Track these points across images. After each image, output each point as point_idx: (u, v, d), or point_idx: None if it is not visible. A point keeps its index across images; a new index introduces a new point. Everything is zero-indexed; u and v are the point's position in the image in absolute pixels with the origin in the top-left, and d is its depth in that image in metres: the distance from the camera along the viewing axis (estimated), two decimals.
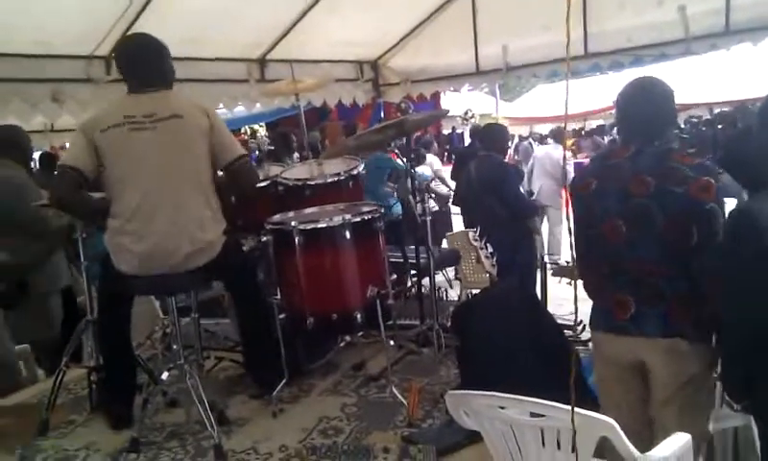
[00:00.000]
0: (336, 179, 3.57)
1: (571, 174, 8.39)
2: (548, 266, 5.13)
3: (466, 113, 14.70)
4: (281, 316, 3.27)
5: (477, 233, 3.74)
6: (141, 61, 3.08)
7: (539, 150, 9.80)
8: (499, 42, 6.19)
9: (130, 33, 4.24)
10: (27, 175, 4.24)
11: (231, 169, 3.06)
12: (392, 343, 3.63)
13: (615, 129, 16.95)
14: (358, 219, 3.18)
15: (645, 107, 2.44)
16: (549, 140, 10.49)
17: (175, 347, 3.05)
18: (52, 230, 3.93)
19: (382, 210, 3.30)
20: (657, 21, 5.39)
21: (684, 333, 2.32)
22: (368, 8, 5.76)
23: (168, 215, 2.93)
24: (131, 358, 3.28)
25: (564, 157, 8.16)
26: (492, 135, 5.39)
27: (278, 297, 3.31)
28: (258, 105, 6.52)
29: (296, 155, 7.20)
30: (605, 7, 5.50)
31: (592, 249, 2.51)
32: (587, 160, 15.46)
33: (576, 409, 1.48)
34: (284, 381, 3.34)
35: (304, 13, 5.57)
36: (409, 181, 3.76)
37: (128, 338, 3.25)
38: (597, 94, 16.54)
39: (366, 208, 3.34)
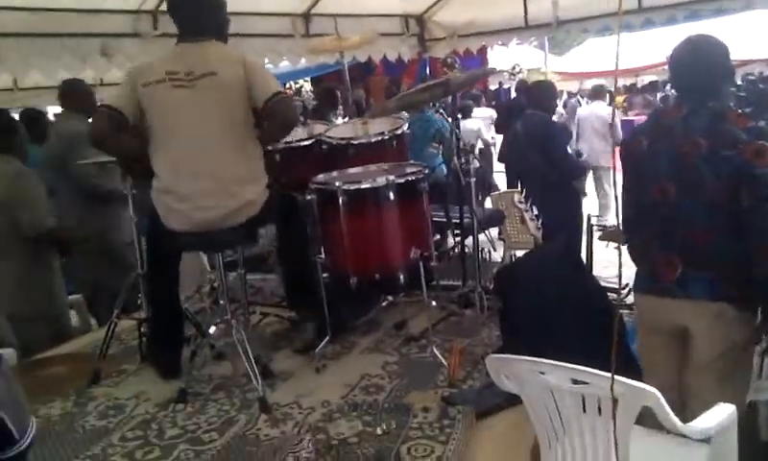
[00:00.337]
0: (380, 138, 3.55)
1: (620, 132, 8.23)
2: (595, 228, 5.06)
3: (513, 68, 14.31)
4: (325, 275, 3.29)
5: (523, 195, 3.70)
6: (190, 5, 3.02)
7: (582, 109, 9.50)
8: None
9: None
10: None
11: (268, 106, 2.93)
12: (434, 304, 3.64)
13: (668, 85, 16.39)
14: (402, 180, 3.17)
15: (698, 66, 2.37)
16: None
17: (222, 302, 3.12)
18: (96, 191, 4.05)
19: (426, 171, 3.28)
20: None
21: (731, 298, 2.29)
22: None
23: (207, 174, 2.93)
24: (178, 311, 3.35)
25: (614, 115, 7.94)
26: (540, 93, 5.29)
27: (322, 256, 3.32)
28: (303, 60, 6.50)
29: (339, 109, 7.18)
30: None
31: (642, 209, 2.48)
32: (638, 118, 15.05)
33: (618, 378, 1.47)
34: (327, 339, 3.39)
35: None
36: (454, 140, 3.72)
37: (176, 292, 3.32)
38: (650, 48, 15.92)
39: (410, 169, 3.32)
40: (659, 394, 1.73)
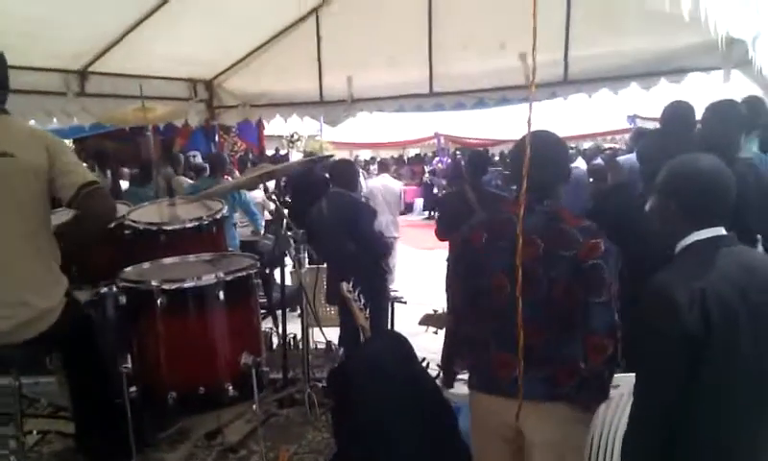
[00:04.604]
0: (197, 224, 3.11)
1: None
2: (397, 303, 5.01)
3: (292, 136, 14.34)
4: (132, 389, 2.71)
5: (351, 284, 3.50)
6: None
7: (372, 181, 9.58)
8: (344, 73, 6.04)
9: None
10: None
11: (79, 199, 2.41)
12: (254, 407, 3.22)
13: (436, 159, 17.80)
14: (232, 277, 2.76)
15: (545, 165, 2.35)
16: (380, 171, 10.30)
17: None
18: None
19: (258, 265, 2.90)
20: (500, 67, 5.52)
21: (569, 398, 2.23)
22: (205, 24, 5.32)
23: None
24: None
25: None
26: (342, 172, 5.21)
27: (129, 366, 2.74)
28: (75, 119, 5.72)
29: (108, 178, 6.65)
30: (451, 49, 5.57)
31: (478, 303, 2.38)
32: (407, 187, 16.04)
33: None
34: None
35: (134, 25, 5.00)
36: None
37: None
38: (415, 125, 17.26)
39: (239, 262, 2.92)
40: None
